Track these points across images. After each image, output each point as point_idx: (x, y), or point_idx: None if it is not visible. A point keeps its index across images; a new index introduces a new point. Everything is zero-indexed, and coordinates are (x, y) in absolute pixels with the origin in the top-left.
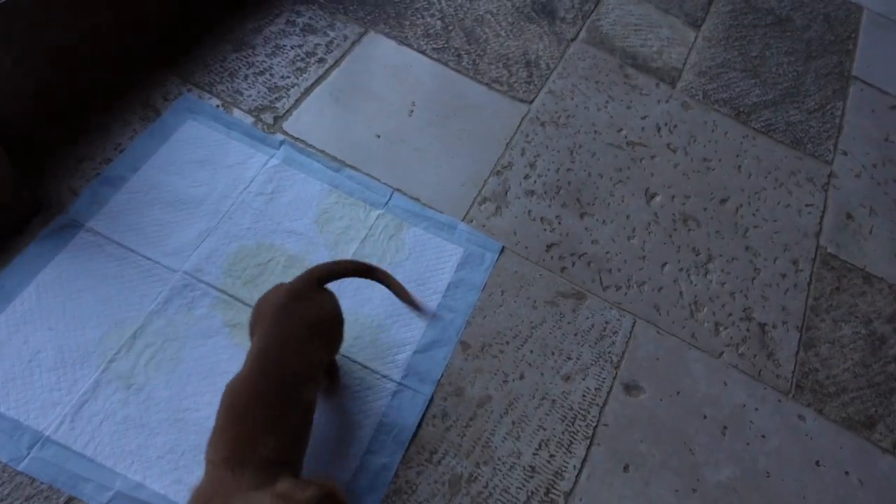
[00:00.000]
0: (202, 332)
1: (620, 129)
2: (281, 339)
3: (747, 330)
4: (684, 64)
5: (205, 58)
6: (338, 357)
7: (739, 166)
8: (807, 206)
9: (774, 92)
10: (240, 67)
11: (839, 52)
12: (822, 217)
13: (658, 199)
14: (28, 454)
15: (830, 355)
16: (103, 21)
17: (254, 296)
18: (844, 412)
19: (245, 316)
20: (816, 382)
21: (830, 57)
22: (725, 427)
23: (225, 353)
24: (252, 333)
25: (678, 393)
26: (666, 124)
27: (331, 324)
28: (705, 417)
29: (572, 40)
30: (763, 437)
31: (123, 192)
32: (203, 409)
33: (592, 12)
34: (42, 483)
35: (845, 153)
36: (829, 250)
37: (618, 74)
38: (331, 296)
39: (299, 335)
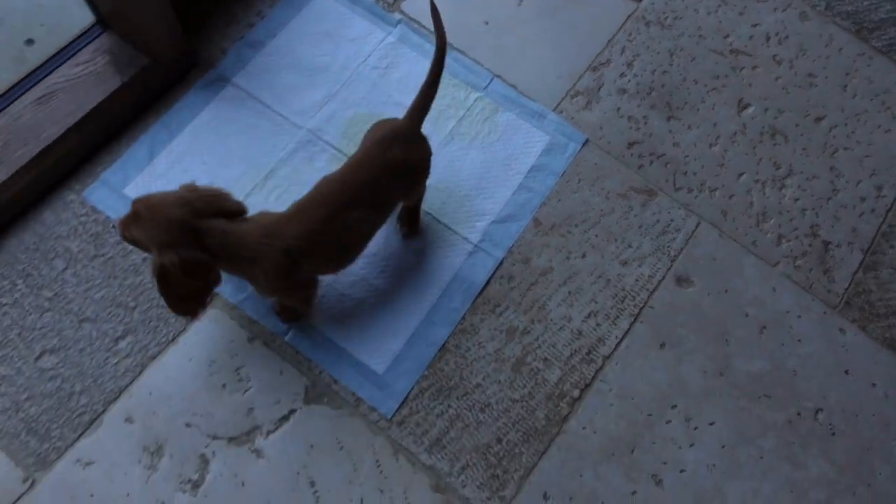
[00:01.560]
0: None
1: (727, 36)
2: (367, 167)
3: (810, 245)
4: None
5: None
6: (426, 215)
7: (846, 85)
8: None
9: None
10: None
11: None
12: None
13: (750, 110)
14: None
15: (890, 280)
16: None
17: None
18: (889, 333)
19: None
20: (867, 303)
21: None
22: (764, 327)
23: None
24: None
25: (726, 291)
26: (777, 34)
27: (415, 171)
28: (747, 316)
29: None
30: (799, 341)
31: (262, 55)
32: None
33: None
34: None
35: None
36: None
37: None
38: (425, 146)
39: (382, 171)
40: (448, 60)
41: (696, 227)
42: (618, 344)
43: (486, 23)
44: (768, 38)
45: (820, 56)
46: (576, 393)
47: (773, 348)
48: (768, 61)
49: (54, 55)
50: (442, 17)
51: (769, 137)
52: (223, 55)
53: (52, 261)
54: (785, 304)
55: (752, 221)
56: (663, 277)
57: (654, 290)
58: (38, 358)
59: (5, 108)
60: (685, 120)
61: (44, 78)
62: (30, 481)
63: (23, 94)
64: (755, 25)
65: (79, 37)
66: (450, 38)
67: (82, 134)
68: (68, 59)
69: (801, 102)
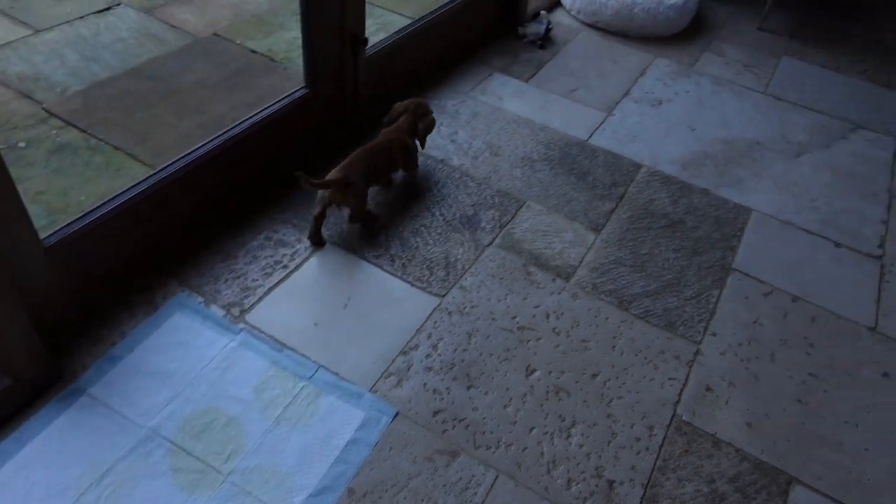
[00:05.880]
0: (151, 473)
1: (514, 317)
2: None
3: (596, 486)
4: (581, 262)
5: (199, 266)
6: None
7: (614, 346)
8: (670, 379)
9: (657, 283)
10: (223, 273)
11: (724, 248)
12: (682, 389)
13: (537, 374)
14: None
15: None
16: (128, 246)
17: (197, 447)
18: None
19: (189, 463)
20: None
21: (714, 252)
22: None
23: (164, 493)
24: None
25: None
26: (554, 312)
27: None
28: None
29: (488, 245)
30: None
31: (120, 367)
32: None
33: (509, 223)
34: None
35: (714, 334)
36: (683, 418)
37: (521, 272)
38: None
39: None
40: (282, 357)
41: (495, 480)
42: None
43: (316, 324)
44: (548, 316)
45: (591, 325)
46: None
47: None
48: (549, 333)
49: None
50: (280, 322)
51: (554, 395)
52: (84, 370)
53: None
54: None
55: (543, 470)
56: None
57: None
58: None
59: None
60: (482, 387)
61: None
62: None
63: None
64: (537, 307)
65: None
66: (286, 338)
67: None
68: None
69: (578, 363)
